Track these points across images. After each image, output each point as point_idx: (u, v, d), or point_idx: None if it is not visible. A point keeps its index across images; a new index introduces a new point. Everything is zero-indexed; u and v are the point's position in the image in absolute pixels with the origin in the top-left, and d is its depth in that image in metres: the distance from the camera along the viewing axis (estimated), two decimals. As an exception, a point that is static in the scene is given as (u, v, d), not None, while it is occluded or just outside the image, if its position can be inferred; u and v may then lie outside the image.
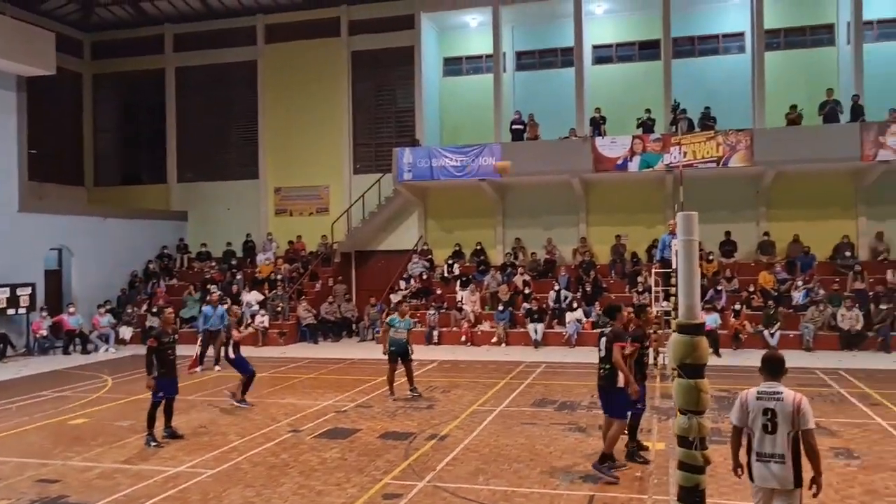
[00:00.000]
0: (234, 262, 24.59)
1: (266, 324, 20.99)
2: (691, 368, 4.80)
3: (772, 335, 18.10)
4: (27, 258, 20.40)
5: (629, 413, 8.51)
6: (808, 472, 4.92)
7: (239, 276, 23.32)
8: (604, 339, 8.37)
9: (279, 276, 22.93)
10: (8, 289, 19.34)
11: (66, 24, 25.96)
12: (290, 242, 24.86)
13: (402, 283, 22.51)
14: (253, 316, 21.02)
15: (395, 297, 21.22)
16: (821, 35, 23.00)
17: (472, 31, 25.11)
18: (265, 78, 25.95)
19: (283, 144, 25.66)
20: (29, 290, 19.93)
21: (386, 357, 13.07)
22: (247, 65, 26.14)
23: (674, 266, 14.21)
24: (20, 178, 20.55)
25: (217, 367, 16.37)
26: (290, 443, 9.89)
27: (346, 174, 25.14)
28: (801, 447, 4.81)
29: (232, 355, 12.25)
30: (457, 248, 23.50)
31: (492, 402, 12.41)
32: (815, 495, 4.93)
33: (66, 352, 19.82)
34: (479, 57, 25.07)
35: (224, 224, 25.85)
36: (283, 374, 15.89)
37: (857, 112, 20.36)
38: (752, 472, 4.94)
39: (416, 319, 20.79)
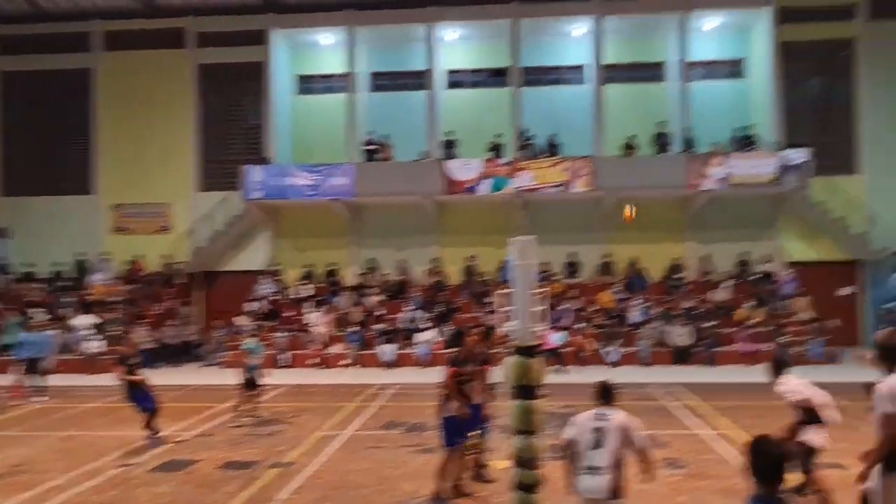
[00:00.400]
0: (62, 284, 22.79)
1: (100, 349, 19.57)
2: (526, 390, 4.90)
3: (611, 352, 19.05)
4: None
5: (461, 441, 8.19)
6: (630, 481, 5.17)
7: (69, 299, 21.64)
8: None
9: (116, 299, 21.48)
10: None
11: None
12: (130, 262, 23.41)
13: (251, 305, 21.76)
14: (83, 341, 19.51)
15: (240, 321, 20.47)
16: (654, 71, 24.71)
17: (327, 50, 24.92)
18: (102, 87, 24.44)
19: (122, 159, 24.21)
20: None
21: (243, 384, 12.79)
22: (81, 73, 24.52)
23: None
24: None
25: (40, 398, 15.07)
26: (119, 478, 9.21)
27: (190, 191, 24.07)
28: (623, 463, 5.36)
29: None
30: (309, 269, 23.07)
31: (340, 427, 12.19)
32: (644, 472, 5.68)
33: None
34: (333, 76, 24.91)
35: (53, 242, 23.92)
36: (114, 404, 14.80)
37: (689, 144, 22.02)
38: (578, 483, 5.43)
39: (265, 342, 20.23)
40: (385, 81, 25.27)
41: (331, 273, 22.98)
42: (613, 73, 24.11)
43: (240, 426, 12.25)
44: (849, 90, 23.11)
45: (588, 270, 22.75)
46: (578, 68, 24.63)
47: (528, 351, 4.94)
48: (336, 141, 23.53)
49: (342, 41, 23.92)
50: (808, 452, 7.34)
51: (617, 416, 5.45)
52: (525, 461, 4.82)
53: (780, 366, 7.60)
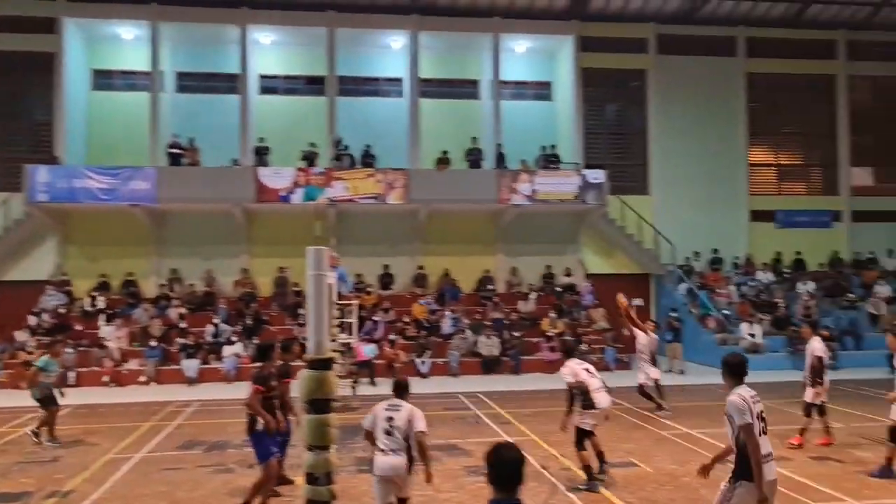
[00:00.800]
0: None
1: None
2: (320, 404, 4.70)
3: (423, 363, 19.24)
4: None
5: (275, 452, 8.14)
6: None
7: None
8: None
9: None
10: None
11: None
12: None
13: (33, 319, 19.68)
14: None
15: (20, 336, 18.47)
16: (468, 88, 25.52)
17: (128, 45, 23.27)
18: None
19: None
20: None
21: (37, 403, 11.81)
22: None
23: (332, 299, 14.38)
24: None
25: None
26: None
27: (-36, 191, 21.45)
28: (411, 446, 6.16)
29: None
30: (103, 279, 21.31)
31: (132, 449, 11.25)
32: (427, 481, 6.18)
33: None
34: (135, 73, 23.30)
35: None
36: None
37: (501, 160, 22.88)
38: (375, 463, 6.10)
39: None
40: (193, 82, 24.01)
41: (128, 284, 21.36)
42: (429, 88, 24.59)
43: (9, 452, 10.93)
44: (642, 116, 25.19)
45: (401, 282, 22.91)
46: (395, 81, 24.86)
47: (322, 363, 4.74)
48: (138, 142, 22.01)
49: (145, 36, 22.44)
50: (582, 433, 8.73)
51: (406, 407, 6.27)
52: (317, 477, 4.61)
53: (567, 352, 9.19)
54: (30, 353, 17.72)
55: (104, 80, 23.62)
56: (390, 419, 6.19)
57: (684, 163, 24.77)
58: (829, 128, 26.20)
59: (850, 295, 22.77)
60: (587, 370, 8.81)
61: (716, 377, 19.20)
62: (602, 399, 8.71)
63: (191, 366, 18.34)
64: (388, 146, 23.14)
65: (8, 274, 21.26)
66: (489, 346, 19.85)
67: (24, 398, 13.28)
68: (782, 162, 26.20)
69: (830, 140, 26.16)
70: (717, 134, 25.15)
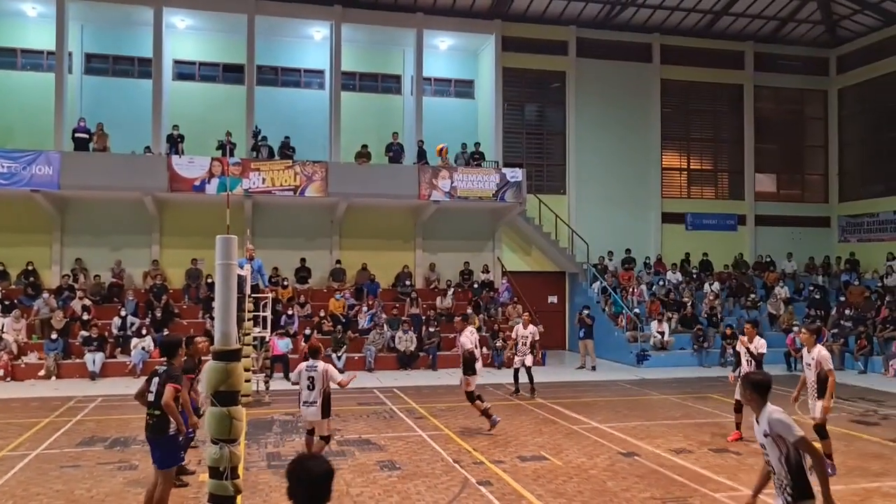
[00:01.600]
0: None
1: None
2: (225, 396, 4.57)
3: (339, 358, 19.06)
4: None
5: (179, 461, 7.48)
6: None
7: None
8: (156, 380, 6.81)
9: None
10: None
11: None
12: None
13: (-78, 309, 18.50)
14: None
15: None
16: (390, 83, 25.42)
17: (31, 22, 22.10)
18: None
19: None
20: None
21: None
22: None
23: (244, 291, 14.06)
24: None
25: None
26: None
27: None
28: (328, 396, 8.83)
29: None
30: (1, 268, 20.19)
31: (27, 446, 10.69)
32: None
33: None
34: (40, 52, 22.17)
35: None
36: None
37: (422, 155, 22.87)
38: (301, 413, 8.96)
39: (-63, 352, 17.33)
40: (102, 65, 23.04)
41: (28, 273, 20.32)
42: (351, 81, 24.39)
43: None
44: (561, 117, 25.65)
45: (318, 276, 22.63)
46: (317, 72, 24.53)
47: (228, 355, 4.62)
48: (41, 125, 20.93)
49: (50, 14, 21.33)
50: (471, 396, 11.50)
51: (321, 365, 8.83)
52: (221, 471, 4.49)
53: (465, 318, 12.66)
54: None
55: (5, 58, 22.34)
56: (311, 378, 8.72)
57: (601, 164, 25.38)
58: (736, 135, 27.34)
59: (753, 295, 23.85)
60: (474, 339, 11.64)
61: (625, 373, 20.00)
62: (479, 367, 11.77)
63: (94, 359, 17.59)
64: (307, 138, 22.81)
65: None
66: (406, 341, 19.83)
67: None
68: (693, 166, 27.19)
69: (737, 147, 27.32)
70: (633, 137, 25.88)
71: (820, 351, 9.11)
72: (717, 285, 24.06)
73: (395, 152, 22.86)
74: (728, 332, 19.93)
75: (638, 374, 19.05)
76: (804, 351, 9.35)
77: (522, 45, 24.91)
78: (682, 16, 25.59)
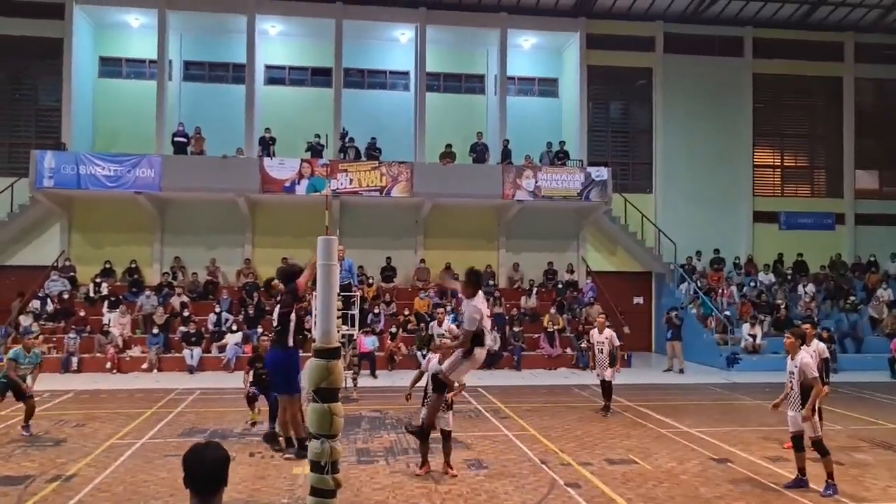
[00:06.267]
0: None
1: None
2: (326, 393, 4.75)
3: (423, 356, 19.25)
4: None
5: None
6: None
7: None
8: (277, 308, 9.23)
9: None
10: None
11: None
12: None
13: (37, 304, 19.75)
14: None
15: (25, 320, 18.54)
16: (474, 83, 25.54)
17: (135, 33, 23.30)
18: None
19: None
20: None
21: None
22: None
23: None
24: None
25: None
26: None
27: (-29, 176, 21.48)
28: None
29: None
30: (107, 266, 21.37)
31: (133, 435, 11.30)
32: None
33: None
34: (143, 61, 23.33)
35: None
36: None
37: (506, 155, 22.89)
38: None
39: (52, 344, 18.48)
40: (199, 71, 24.07)
41: (132, 271, 21.43)
42: (435, 82, 24.63)
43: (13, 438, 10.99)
44: (647, 115, 25.18)
45: (403, 275, 22.97)
46: (402, 74, 24.90)
47: (329, 353, 4.79)
48: (143, 130, 22.05)
49: (152, 24, 22.44)
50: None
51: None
52: (321, 466, 4.67)
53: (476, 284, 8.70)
54: (35, 337, 17.80)
55: (111, 67, 23.65)
56: None
57: (688, 162, 24.79)
58: (834, 130, 26.19)
59: (852, 298, 22.79)
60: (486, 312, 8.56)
61: (715, 377, 19.38)
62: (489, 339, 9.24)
63: (192, 354, 18.41)
64: (393, 139, 23.18)
65: (13, 258, 21.35)
66: (490, 340, 19.85)
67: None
68: (787, 163, 26.19)
69: (835, 142, 26.16)
70: (723, 134, 25.16)
71: (803, 358, 8.40)
72: (811, 287, 23.11)
73: (479, 152, 22.96)
74: (825, 335, 19.12)
75: (728, 377, 18.51)
76: (788, 358, 8.64)
77: (607, 41, 24.59)
78: (777, 7, 24.69)
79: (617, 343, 13.31)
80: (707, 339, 20.96)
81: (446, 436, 8.98)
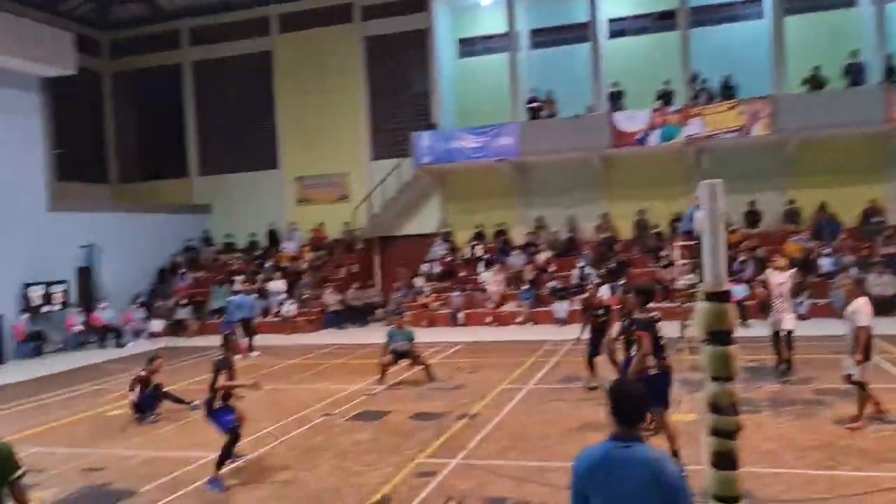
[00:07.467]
0: (258, 253, 24.83)
1: (293, 311, 21.20)
2: (720, 336, 4.79)
3: (800, 304, 17.91)
4: (59, 256, 20.74)
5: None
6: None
7: (269, 264, 23.58)
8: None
9: (304, 265, 23.13)
10: (42, 286, 19.76)
11: (83, 24, 26.17)
12: (313, 230, 25.02)
13: (426, 267, 22.59)
14: (280, 304, 21.30)
15: (417, 282, 21.36)
16: (840, -5, 22.56)
17: (486, 11, 24.93)
18: (280, 68, 26.04)
19: (301, 134, 25.75)
20: (62, 288, 20.33)
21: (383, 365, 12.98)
22: (261, 56, 26.22)
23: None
24: (47, 178, 20.84)
25: (254, 353, 16.72)
26: (323, 426, 10.04)
27: (365, 161, 25.20)
28: None
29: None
30: (479, 230, 23.52)
31: (519, 381, 12.47)
32: None
33: (101, 346, 20.21)
34: (494, 37, 24.89)
35: (247, 215, 26.03)
36: (311, 361, 16.09)
37: (888, 73, 19.96)
38: None
39: (440, 302, 20.97)
40: (545, 37, 24.91)
41: (500, 233, 23.30)
42: (794, 3, 22.24)
43: (423, 382, 12.80)
44: None
45: (769, 219, 21.45)
46: (754, 2, 22.97)
47: (719, 296, 4.84)
48: (499, 102, 23.56)
49: (501, 0, 23.80)
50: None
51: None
52: (721, 407, 4.75)
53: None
54: (427, 296, 20.51)
55: (468, 47, 25.67)
56: None
57: None
58: None
59: None
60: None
61: None
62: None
63: (561, 307, 19.49)
64: (748, 74, 21.53)
65: (404, 229, 24.63)
66: (881, 284, 17.72)
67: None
68: None
69: None
70: None
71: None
72: None
73: (853, 74, 20.30)
74: None
75: None
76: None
77: None
78: None
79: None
80: None
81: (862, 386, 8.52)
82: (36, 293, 19.57)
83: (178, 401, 11.37)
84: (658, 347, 7.65)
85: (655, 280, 18.03)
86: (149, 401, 11.11)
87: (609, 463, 3.24)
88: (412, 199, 24.31)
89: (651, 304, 8.08)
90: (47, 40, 20.06)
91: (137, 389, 11.15)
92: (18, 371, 16.99)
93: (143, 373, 11.30)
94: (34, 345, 19.14)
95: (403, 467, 7.95)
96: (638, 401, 3.41)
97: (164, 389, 11.49)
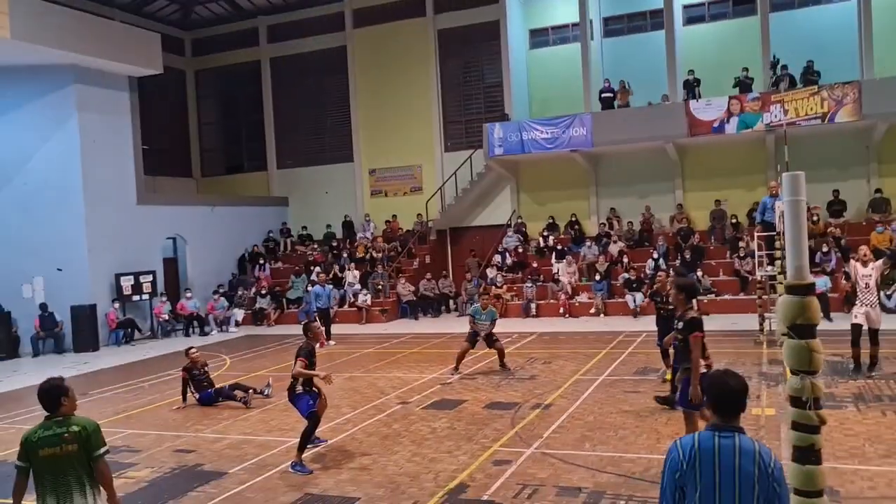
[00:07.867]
0: (334, 244, 25.43)
1: (368, 301, 21.66)
2: (803, 329, 4.74)
3: (889, 297, 17.26)
4: (147, 247, 21.74)
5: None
6: None
7: (345, 255, 24.13)
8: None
9: (378, 255, 23.57)
10: (132, 276, 20.75)
11: (168, 24, 27.28)
12: (387, 222, 25.45)
13: (498, 258, 22.70)
14: (355, 294, 21.79)
15: (490, 272, 21.48)
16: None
17: (557, 1, 24.77)
18: (355, 62, 26.49)
19: (375, 127, 26.19)
20: (150, 278, 21.29)
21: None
22: (337, 51, 26.74)
23: (778, 228, 13.81)
24: (136, 173, 21.83)
25: (331, 342, 17.19)
26: (400, 414, 10.29)
27: (437, 152, 25.45)
28: None
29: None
30: (551, 221, 23.47)
31: (593, 372, 12.46)
32: None
33: (186, 334, 21.12)
34: (565, 26, 24.75)
35: (323, 207, 26.68)
36: (387, 350, 16.43)
37: None
38: None
39: (513, 292, 21.05)
40: (618, 26, 24.63)
41: (573, 224, 23.18)
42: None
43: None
44: None
45: (855, 208, 20.68)
46: (838, -16, 22.13)
47: (802, 289, 4.80)
48: (571, 92, 23.43)
49: (573, -11, 23.62)
50: None
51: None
52: (803, 401, 4.72)
53: None
54: (499, 286, 20.61)
55: (539, 38, 25.59)
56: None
57: None
58: None
59: None
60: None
61: None
62: None
63: (634, 298, 19.31)
64: (833, 59, 20.84)
65: (476, 219, 24.80)
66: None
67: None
68: None
69: None
70: None
71: None
72: None
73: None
74: None
75: None
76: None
77: None
78: None
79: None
80: None
81: None
82: (126, 283, 20.56)
83: (245, 389, 11.62)
84: (703, 346, 7.64)
85: (734, 272, 17.63)
86: (208, 396, 11.61)
87: (712, 453, 3.30)
88: (484, 191, 24.44)
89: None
90: (136, 42, 20.97)
91: (191, 386, 11.67)
92: (111, 357, 17.96)
93: (182, 372, 11.78)
94: (125, 332, 20.16)
95: (479, 455, 8.11)
96: (739, 391, 3.45)
97: (232, 383, 11.98)
